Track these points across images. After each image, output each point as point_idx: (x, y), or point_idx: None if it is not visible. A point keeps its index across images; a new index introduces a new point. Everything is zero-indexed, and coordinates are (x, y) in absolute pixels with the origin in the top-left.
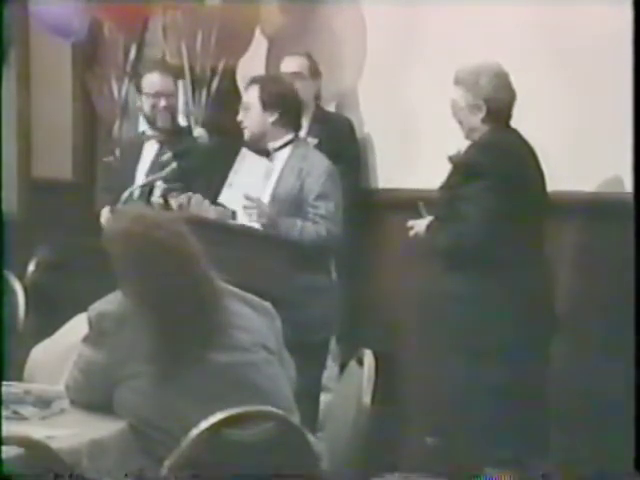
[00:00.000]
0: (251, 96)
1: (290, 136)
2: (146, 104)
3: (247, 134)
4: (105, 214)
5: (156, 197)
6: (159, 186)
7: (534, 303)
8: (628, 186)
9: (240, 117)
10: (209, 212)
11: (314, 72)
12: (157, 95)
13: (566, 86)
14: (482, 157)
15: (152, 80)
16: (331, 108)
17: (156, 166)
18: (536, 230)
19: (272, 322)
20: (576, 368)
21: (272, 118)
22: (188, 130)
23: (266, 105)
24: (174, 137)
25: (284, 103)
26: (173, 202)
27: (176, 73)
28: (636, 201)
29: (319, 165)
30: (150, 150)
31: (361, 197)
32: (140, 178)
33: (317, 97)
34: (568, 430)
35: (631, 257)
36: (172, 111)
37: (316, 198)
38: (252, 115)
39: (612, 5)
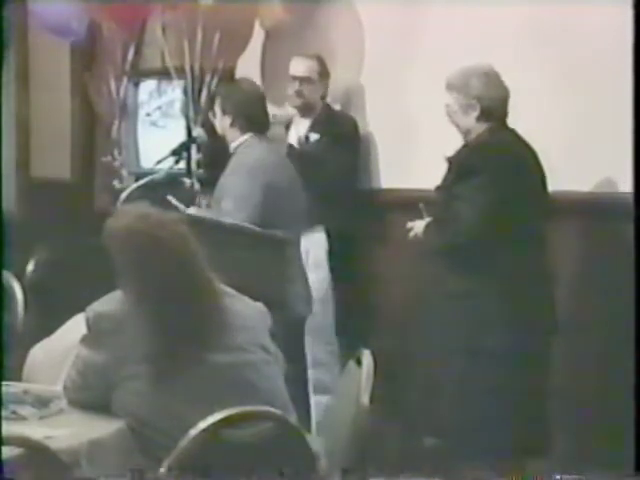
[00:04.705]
0: (216, 104)
1: (246, 137)
2: None
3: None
4: None
5: None
6: None
7: (533, 303)
8: (628, 186)
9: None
10: None
11: (323, 74)
12: None
13: (565, 86)
14: (475, 156)
15: None
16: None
17: None
18: (535, 230)
19: (265, 321)
20: (576, 368)
21: (228, 121)
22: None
23: (224, 111)
24: None
25: (237, 109)
26: None
27: None
28: (636, 201)
29: (235, 160)
30: None
31: (361, 197)
32: None
33: (324, 96)
34: (568, 430)
35: (631, 257)
36: None
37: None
38: (217, 119)
39: (612, 5)
